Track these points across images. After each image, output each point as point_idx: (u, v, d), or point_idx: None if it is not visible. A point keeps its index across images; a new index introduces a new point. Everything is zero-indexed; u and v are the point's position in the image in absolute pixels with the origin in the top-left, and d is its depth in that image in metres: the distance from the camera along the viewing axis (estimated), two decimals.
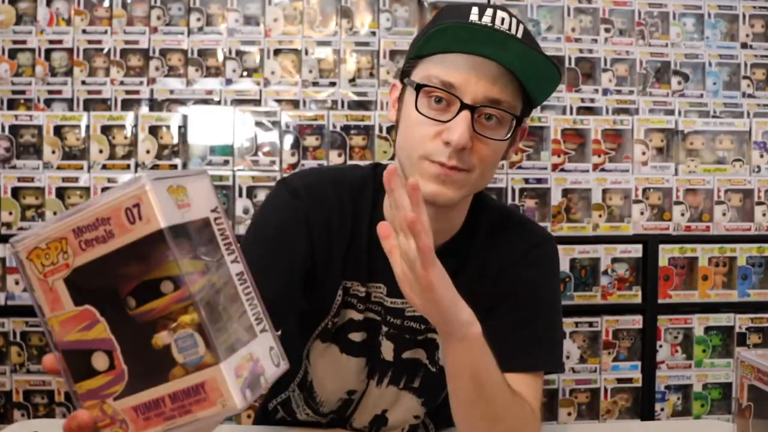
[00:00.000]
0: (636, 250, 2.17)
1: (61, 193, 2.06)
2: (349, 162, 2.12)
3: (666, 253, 2.17)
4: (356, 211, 1.03)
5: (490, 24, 0.88)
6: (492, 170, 0.97)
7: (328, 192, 1.03)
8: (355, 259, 1.03)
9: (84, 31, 2.26)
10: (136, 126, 2.10)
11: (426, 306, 0.81)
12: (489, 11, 0.90)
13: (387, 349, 1.06)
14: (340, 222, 1.02)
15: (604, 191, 2.18)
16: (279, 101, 2.30)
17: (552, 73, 0.91)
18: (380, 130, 2.13)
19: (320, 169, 1.13)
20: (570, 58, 2.35)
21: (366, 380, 1.09)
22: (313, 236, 1.01)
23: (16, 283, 2.03)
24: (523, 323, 1.00)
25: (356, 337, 1.06)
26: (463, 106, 0.89)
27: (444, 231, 1.03)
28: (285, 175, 2.06)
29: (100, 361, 0.55)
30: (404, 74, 0.98)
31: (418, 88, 0.91)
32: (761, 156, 2.24)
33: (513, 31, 0.89)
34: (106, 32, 2.27)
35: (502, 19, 0.89)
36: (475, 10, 0.90)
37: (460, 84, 0.89)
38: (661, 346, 2.18)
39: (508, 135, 0.93)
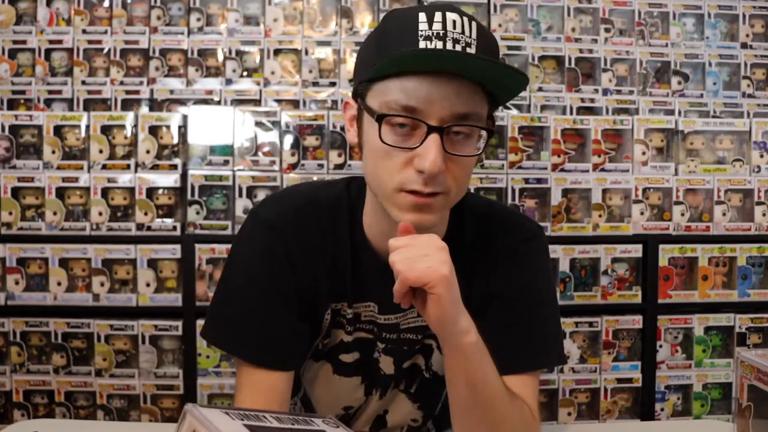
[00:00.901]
0: (636, 250, 2.17)
1: (61, 193, 2.06)
2: (348, 162, 2.12)
3: (666, 253, 2.17)
4: (335, 233, 0.99)
5: (441, 31, 0.82)
6: (468, 182, 0.93)
7: (303, 217, 0.99)
8: (339, 282, 1.00)
9: (84, 31, 2.27)
10: (136, 126, 2.10)
11: (430, 307, 0.81)
12: (438, 16, 0.83)
13: (387, 364, 1.05)
14: (321, 246, 0.99)
15: (604, 191, 2.18)
16: (279, 101, 2.30)
17: (516, 77, 0.84)
18: None
19: (292, 193, 1.07)
20: (570, 58, 2.35)
21: (364, 397, 1.08)
22: (297, 266, 0.98)
23: (16, 283, 2.03)
24: (515, 323, 0.99)
25: (348, 358, 1.05)
26: (431, 129, 0.83)
27: None
28: (286, 173, 2.08)
29: None
30: (358, 94, 0.91)
31: (380, 118, 0.85)
32: (761, 156, 2.24)
33: (467, 33, 0.83)
34: (106, 32, 2.27)
35: (453, 22, 0.83)
36: (422, 17, 0.83)
37: (423, 107, 0.83)
38: (661, 346, 2.18)
39: (480, 148, 0.88)
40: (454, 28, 0.83)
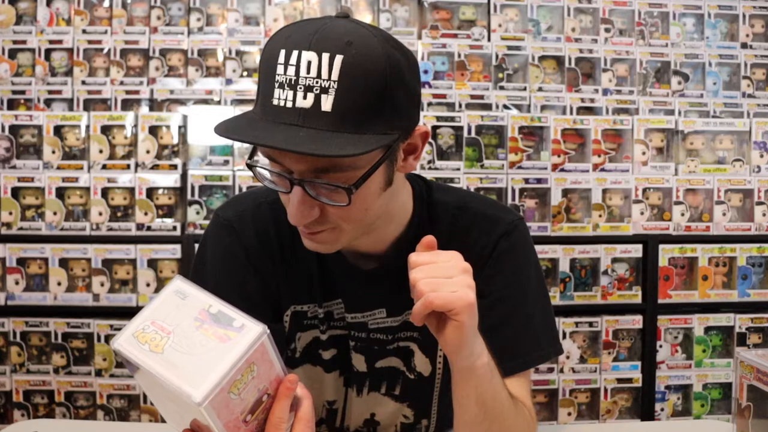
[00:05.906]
0: (636, 250, 2.17)
1: (61, 193, 2.06)
2: None
3: (666, 253, 2.17)
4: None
5: (293, 77, 0.76)
6: (371, 206, 0.85)
7: (263, 216, 0.98)
8: (306, 282, 0.98)
9: (84, 31, 2.27)
10: (136, 126, 2.10)
11: (450, 332, 0.79)
12: (293, 57, 0.76)
13: (359, 361, 1.04)
14: (280, 244, 0.97)
15: (604, 191, 2.18)
16: None
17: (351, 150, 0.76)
18: None
19: (254, 192, 1.04)
20: (570, 58, 2.35)
21: (344, 389, 1.07)
22: (258, 266, 0.97)
23: (16, 283, 2.03)
24: (502, 323, 0.96)
25: (326, 355, 1.04)
26: (292, 182, 0.79)
27: (379, 239, 0.96)
28: None
29: None
30: None
31: (249, 166, 0.85)
32: (761, 156, 2.24)
33: (323, 75, 0.75)
34: (106, 32, 2.27)
35: (308, 64, 0.76)
36: (282, 56, 0.77)
37: (281, 160, 0.79)
38: (661, 346, 2.18)
39: (351, 197, 0.79)
40: (308, 72, 0.76)
